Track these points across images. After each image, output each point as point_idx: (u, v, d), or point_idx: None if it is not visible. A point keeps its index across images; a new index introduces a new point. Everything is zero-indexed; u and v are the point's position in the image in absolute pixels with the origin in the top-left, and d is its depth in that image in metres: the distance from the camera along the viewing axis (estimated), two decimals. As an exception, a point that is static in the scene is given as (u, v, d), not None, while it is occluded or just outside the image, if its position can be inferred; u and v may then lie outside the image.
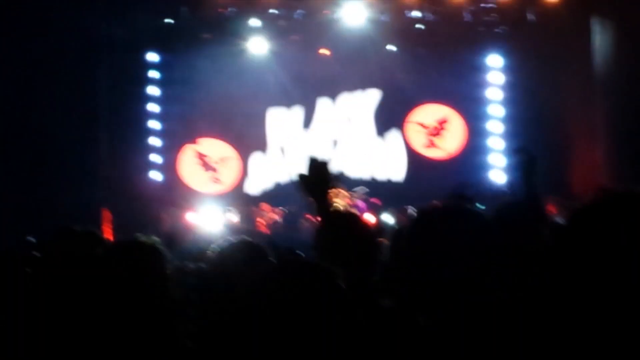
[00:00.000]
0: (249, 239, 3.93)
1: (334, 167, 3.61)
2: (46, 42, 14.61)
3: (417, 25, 18.10)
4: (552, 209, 13.83)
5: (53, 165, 14.68)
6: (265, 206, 17.66)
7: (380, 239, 3.84)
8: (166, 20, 17.73)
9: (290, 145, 19.12)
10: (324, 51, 18.48)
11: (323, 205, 3.50)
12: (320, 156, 3.60)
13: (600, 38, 16.94)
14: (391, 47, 18.52)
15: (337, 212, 3.82)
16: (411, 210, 15.04)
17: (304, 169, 3.58)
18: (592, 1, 16.63)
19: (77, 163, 14.98)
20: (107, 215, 15.92)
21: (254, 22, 17.98)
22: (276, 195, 18.27)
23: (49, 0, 14.65)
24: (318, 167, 3.47)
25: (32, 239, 7.39)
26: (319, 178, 3.41)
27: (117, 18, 17.12)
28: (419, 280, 2.36)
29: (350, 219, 3.66)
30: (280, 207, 17.59)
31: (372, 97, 19.17)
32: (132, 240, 3.15)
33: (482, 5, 17.79)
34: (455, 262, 2.30)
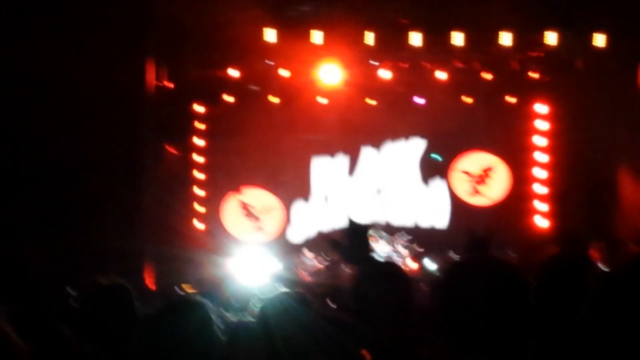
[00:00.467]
0: (297, 290, 3.84)
1: (376, 219, 3.57)
2: (95, 86, 14.74)
3: (463, 73, 18.03)
4: (595, 255, 13.64)
5: (97, 213, 14.75)
6: (308, 253, 17.64)
7: (420, 285, 3.77)
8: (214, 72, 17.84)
9: (334, 193, 19.10)
10: (370, 101, 18.50)
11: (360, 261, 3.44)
12: (361, 219, 3.53)
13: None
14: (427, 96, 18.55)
15: (375, 260, 3.77)
16: (452, 255, 14.92)
17: (343, 232, 3.50)
18: (637, 50, 16.50)
19: (122, 211, 15.04)
20: (149, 264, 15.95)
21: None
22: (318, 243, 18.25)
23: (98, 44, 14.78)
24: (358, 232, 3.41)
25: (71, 291, 7.40)
26: (358, 242, 3.35)
27: (167, 69, 17.32)
28: (454, 329, 2.36)
29: (387, 267, 3.61)
30: (322, 254, 17.58)
31: (416, 145, 19.13)
32: (179, 298, 3.10)
33: (529, 52, 17.70)
34: (486, 314, 2.30)
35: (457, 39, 17.08)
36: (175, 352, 2.91)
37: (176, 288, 11.29)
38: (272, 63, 17.81)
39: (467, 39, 17.15)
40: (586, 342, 1.41)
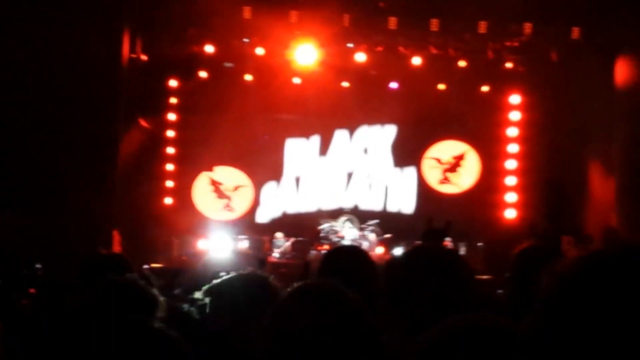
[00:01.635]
0: (256, 272, 3.80)
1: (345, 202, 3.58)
2: (69, 58, 14.61)
3: (438, 60, 18.05)
4: (565, 248, 13.73)
5: (67, 184, 14.65)
6: (279, 236, 17.69)
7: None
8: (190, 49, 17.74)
9: (305, 174, 19.11)
10: (345, 83, 18.50)
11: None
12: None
13: (622, 76, 16.90)
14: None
15: (342, 246, 3.79)
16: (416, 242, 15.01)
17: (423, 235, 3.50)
18: (616, 40, 16.56)
19: (93, 183, 14.95)
20: (117, 238, 15.88)
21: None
22: (284, 225, 18.32)
23: (72, 20, 14.65)
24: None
25: (39, 265, 7.41)
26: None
27: (142, 41, 17.20)
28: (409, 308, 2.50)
29: (354, 252, 3.62)
30: (293, 237, 17.64)
31: (390, 132, 19.16)
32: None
33: (504, 42, 17.72)
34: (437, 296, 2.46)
35: (433, 25, 17.05)
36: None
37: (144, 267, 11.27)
38: (247, 40, 17.72)
39: (444, 26, 17.15)
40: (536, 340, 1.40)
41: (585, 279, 1.33)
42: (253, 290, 3.28)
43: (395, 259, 2.81)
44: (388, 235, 17.63)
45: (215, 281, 3.82)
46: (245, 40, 17.68)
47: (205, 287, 3.27)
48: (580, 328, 1.30)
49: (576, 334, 1.30)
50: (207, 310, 3.59)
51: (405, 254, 2.73)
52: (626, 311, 1.26)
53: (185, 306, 3.97)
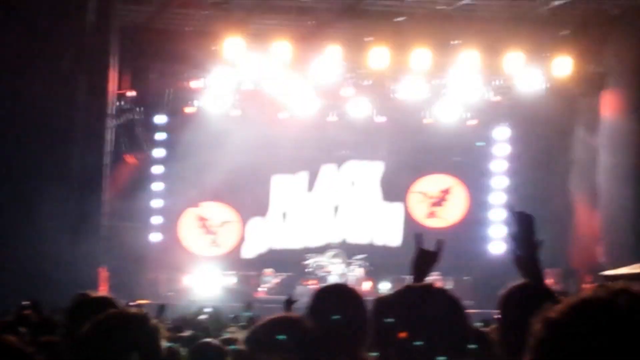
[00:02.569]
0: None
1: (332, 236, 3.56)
2: (54, 94, 14.57)
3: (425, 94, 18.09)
4: (551, 282, 13.70)
5: (54, 221, 14.57)
6: (268, 272, 17.68)
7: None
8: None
9: (292, 209, 19.11)
10: (332, 118, 18.53)
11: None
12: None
13: (607, 110, 17.02)
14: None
15: (330, 285, 3.77)
16: (408, 281, 14.98)
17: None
18: (601, 77, 16.69)
19: (79, 220, 14.88)
20: (104, 275, 15.79)
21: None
22: (270, 260, 18.31)
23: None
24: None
25: (27, 302, 7.34)
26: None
27: (130, 79, 17.25)
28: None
29: (340, 290, 3.60)
30: (281, 273, 17.66)
31: (377, 167, 19.21)
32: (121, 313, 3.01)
33: (492, 77, 17.79)
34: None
35: (421, 59, 17.07)
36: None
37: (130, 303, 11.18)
38: (235, 75, 17.70)
39: (430, 59, 17.17)
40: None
41: (574, 327, 1.34)
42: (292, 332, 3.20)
43: (383, 299, 2.80)
44: (373, 269, 17.70)
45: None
46: (232, 74, 17.65)
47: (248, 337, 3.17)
48: None
49: None
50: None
51: (395, 294, 2.73)
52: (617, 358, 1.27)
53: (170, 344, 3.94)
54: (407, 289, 2.72)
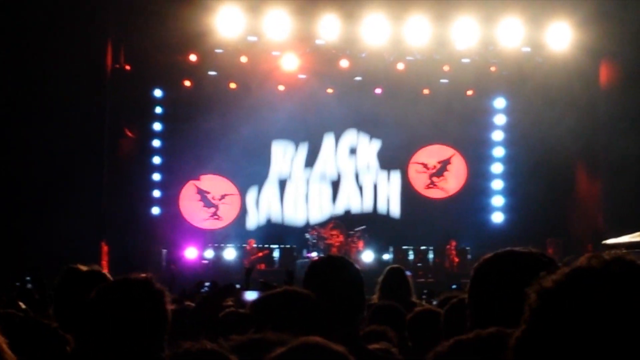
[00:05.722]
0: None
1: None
2: (53, 68, 14.55)
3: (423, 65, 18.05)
4: (550, 251, 13.75)
5: (54, 196, 14.61)
6: (251, 242, 17.73)
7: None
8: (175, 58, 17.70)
9: (292, 179, 19.14)
10: (329, 90, 18.52)
11: None
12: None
13: (606, 80, 17.01)
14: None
15: (327, 256, 3.76)
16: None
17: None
18: (600, 47, 16.64)
19: (79, 195, 14.90)
20: (105, 249, 15.85)
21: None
22: (271, 232, 18.37)
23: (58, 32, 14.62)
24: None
25: (27, 277, 7.39)
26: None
27: (125, 51, 17.19)
28: None
29: (339, 262, 3.59)
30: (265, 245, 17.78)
31: (376, 139, 19.21)
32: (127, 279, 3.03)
33: (490, 48, 17.74)
34: None
35: (419, 30, 17.07)
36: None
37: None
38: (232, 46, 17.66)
39: (428, 31, 17.14)
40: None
41: (568, 296, 1.36)
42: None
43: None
44: (374, 239, 17.77)
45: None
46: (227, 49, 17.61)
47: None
48: (565, 342, 1.33)
49: (561, 349, 1.33)
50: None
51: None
52: (610, 327, 1.29)
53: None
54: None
